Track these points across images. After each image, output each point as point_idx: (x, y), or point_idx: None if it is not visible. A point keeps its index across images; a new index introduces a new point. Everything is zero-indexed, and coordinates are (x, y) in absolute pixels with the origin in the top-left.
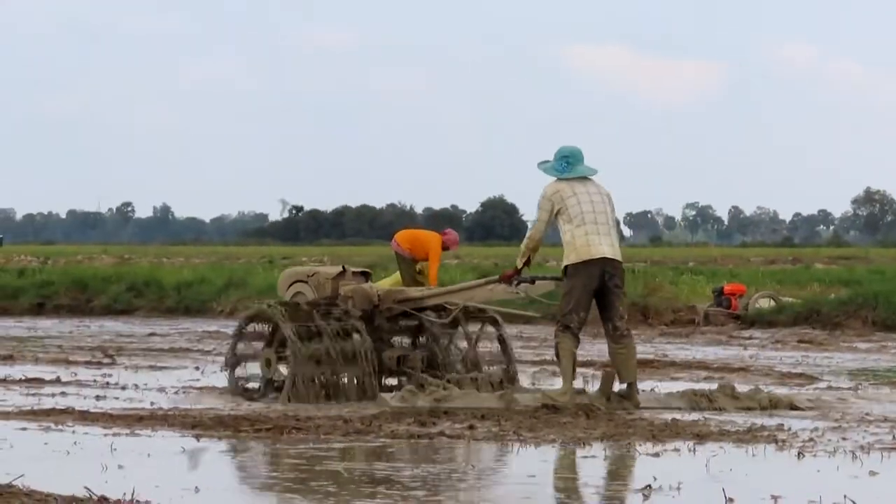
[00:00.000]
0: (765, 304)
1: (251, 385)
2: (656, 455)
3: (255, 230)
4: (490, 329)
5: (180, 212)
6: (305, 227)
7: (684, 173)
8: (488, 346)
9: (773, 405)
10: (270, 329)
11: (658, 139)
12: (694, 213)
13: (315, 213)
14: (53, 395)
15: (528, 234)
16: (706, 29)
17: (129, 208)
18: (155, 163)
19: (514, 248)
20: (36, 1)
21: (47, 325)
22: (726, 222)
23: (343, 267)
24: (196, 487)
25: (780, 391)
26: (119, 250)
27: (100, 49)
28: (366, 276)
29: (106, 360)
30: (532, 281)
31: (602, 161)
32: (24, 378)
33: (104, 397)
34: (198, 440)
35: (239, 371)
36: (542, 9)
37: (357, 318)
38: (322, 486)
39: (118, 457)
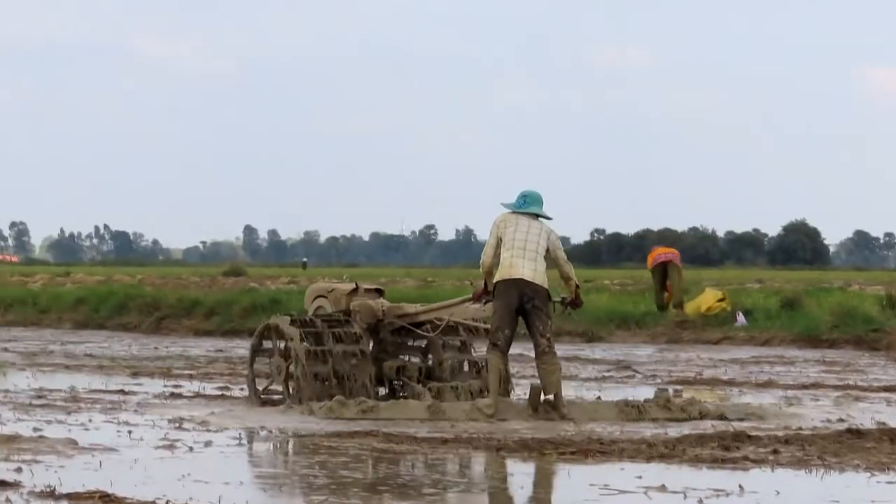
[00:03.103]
0: None
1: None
2: None
3: None
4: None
5: (482, 234)
6: (607, 249)
7: None
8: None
9: (703, 416)
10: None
11: None
12: None
13: (617, 236)
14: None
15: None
16: None
17: (432, 231)
18: (458, 185)
19: (817, 272)
20: (342, 24)
21: None
22: None
23: (356, 284)
24: None
25: None
26: (421, 273)
27: (403, 72)
28: (379, 292)
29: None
30: None
31: None
32: None
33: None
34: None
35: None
36: (834, 27)
37: (362, 330)
38: None
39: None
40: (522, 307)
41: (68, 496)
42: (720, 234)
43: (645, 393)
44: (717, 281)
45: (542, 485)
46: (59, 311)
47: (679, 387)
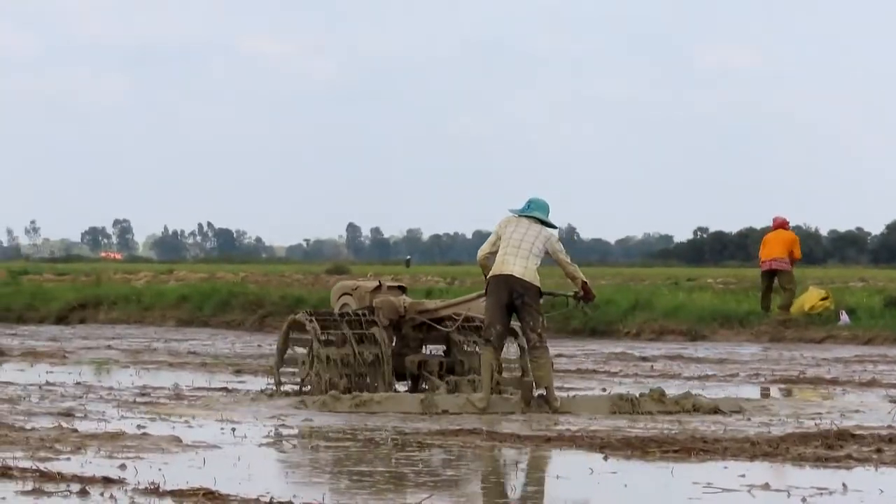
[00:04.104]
0: None
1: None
2: None
3: (659, 251)
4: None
5: (586, 233)
6: (710, 248)
7: None
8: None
9: (696, 409)
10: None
11: None
12: None
13: (720, 235)
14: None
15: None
16: None
17: None
18: (562, 184)
19: None
20: (445, 24)
21: None
22: None
23: (379, 282)
24: None
25: None
26: None
27: (504, 70)
28: (402, 290)
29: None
30: None
31: None
32: None
33: (508, 418)
34: (605, 460)
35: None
36: None
37: (384, 327)
38: None
39: (526, 477)
40: (513, 303)
41: (172, 493)
42: (823, 232)
43: (748, 392)
44: (820, 280)
45: (646, 483)
46: (163, 309)
47: (783, 385)
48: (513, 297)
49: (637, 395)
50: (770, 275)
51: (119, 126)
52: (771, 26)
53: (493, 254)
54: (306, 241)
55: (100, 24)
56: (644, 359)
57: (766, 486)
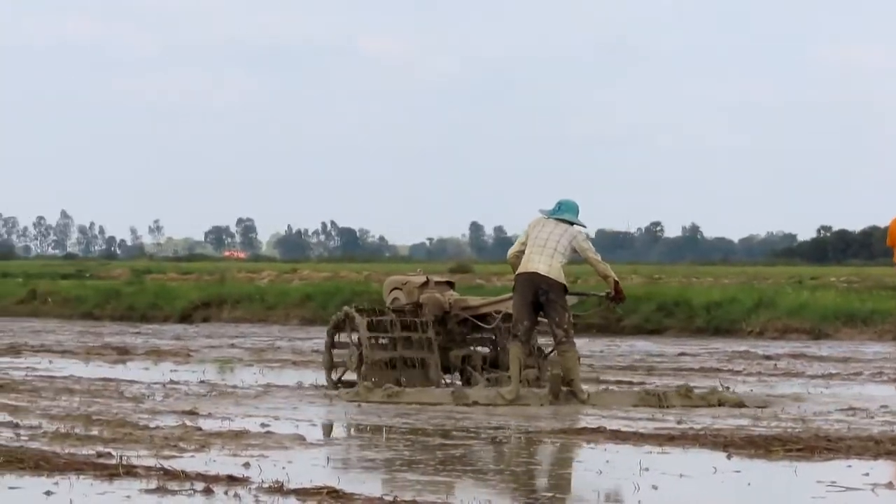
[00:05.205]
0: None
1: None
2: None
3: (783, 250)
4: None
5: (709, 231)
6: (833, 247)
7: None
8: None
9: (721, 404)
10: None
11: None
12: None
13: (843, 234)
14: (586, 414)
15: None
16: None
17: (659, 227)
18: (684, 182)
19: None
20: (569, 24)
21: (578, 345)
22: None
23: (427, 277)
24: None
25: None
26: (648, 270)
27: (628, 69)
28: (450, 285)
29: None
30: None
31: None
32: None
33: (630, 416)
34: (728, 459)
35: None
36: None
37: (430, 322)
38: None
39: (649, 477)
40: (538, 300)
41: (296, 492)
42: None
43: (873, 391)
44: None
45: (770, 482)
46: (286, 308)
47: None
48: (538, 294)
49: (663, 391)
50: None
51: (242, 125)
52: (894, 21)
53: (522, 253)
54: (429, 239)
55: (222, 25)
56: (767, 357)
57: (890, 486)
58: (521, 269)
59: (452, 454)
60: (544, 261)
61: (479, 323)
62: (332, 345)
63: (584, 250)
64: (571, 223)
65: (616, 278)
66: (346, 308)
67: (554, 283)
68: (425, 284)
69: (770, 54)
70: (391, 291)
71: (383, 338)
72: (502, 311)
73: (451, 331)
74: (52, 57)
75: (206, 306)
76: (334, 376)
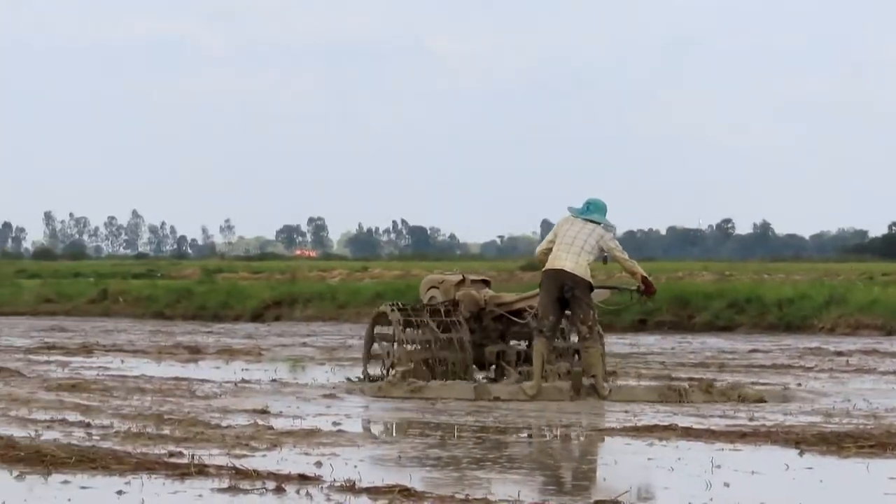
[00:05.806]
0: None
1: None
2: None
3: (854, 246)
4: None
5: (780, 228)
6: None
7: None
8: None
9: (742, 399)
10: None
11: None
12: None
13: None
14: (657, 412)
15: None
16: None
17: (730, 224)
18: (755, 179)
19: None
20: (641, 22)
21: (650, 342)
22: None
23: (462, 275)
24: None
25: None
26: (719, 267)
27: (700, 66)
28: (485, 283)
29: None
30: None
31: None
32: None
33: (702, 413)
34: (800, 456)
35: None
36: None
37: (465, 319)
38: None
39: (721, 474)
40: (563, 296)
41: (368, 490)
42: None
43: None
44: None
45: (842, 479)
46: (358, 306)
47: None
48: (563, 291)
49: (683, 386)
50: None
51: (313, 124)
52: None
53: (550, 250)
54: (500, 237)
55: (293, 24)
56: (839, 353)
57: None
58: (547, 266)
59: (522, 452)
60: (571, 258)
61: (514, 318)
62: (371, 339)
63: (611, 249)
64: (599, 223)
65: (644, 273)
66: (382, 306)
67: (580, 280)
68: (461, 282)
69: (842, 50)
70: (428, 290)
71: (416, 335)
72: (535, 305)
73: (486, 327)
74: (122, 56)
75: (278, 305)
76: (375, 370)
